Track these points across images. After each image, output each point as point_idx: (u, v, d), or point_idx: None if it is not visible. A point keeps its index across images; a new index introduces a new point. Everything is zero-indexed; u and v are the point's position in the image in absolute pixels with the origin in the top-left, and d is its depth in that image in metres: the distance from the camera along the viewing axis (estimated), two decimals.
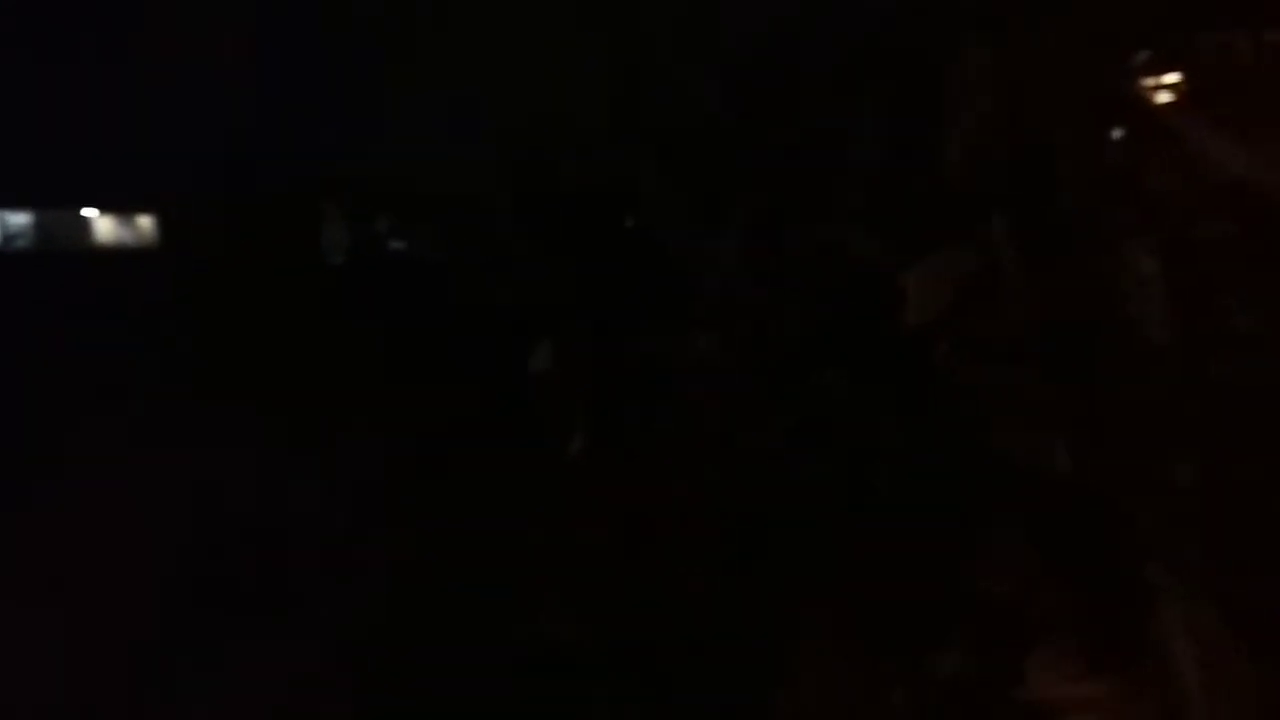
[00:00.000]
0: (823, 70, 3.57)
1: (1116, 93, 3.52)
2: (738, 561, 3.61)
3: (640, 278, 3.94)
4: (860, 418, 3.53)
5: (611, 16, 3.98)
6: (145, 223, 4.74)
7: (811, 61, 3.64)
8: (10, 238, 4.57)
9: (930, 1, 3.49)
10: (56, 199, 4.59)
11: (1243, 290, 2.97)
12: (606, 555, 3.90)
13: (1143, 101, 3.58)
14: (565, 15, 4.03)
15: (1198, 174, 3.19)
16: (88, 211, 4.66)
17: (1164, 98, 3.80)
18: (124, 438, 3.94)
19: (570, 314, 4.17)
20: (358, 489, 4.09)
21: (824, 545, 3.46)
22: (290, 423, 4.13)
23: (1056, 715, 2.18)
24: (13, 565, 3.57)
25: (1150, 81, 3.79)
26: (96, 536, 3.75)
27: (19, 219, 4.57)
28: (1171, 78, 3.83)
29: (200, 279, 4.47)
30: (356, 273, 4.77)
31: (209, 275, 4.46)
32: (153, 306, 4.37)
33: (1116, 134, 3.48)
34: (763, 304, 3.66)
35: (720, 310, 3.75)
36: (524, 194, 4.01)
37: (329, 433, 4.17)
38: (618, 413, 4.19)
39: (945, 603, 3.06)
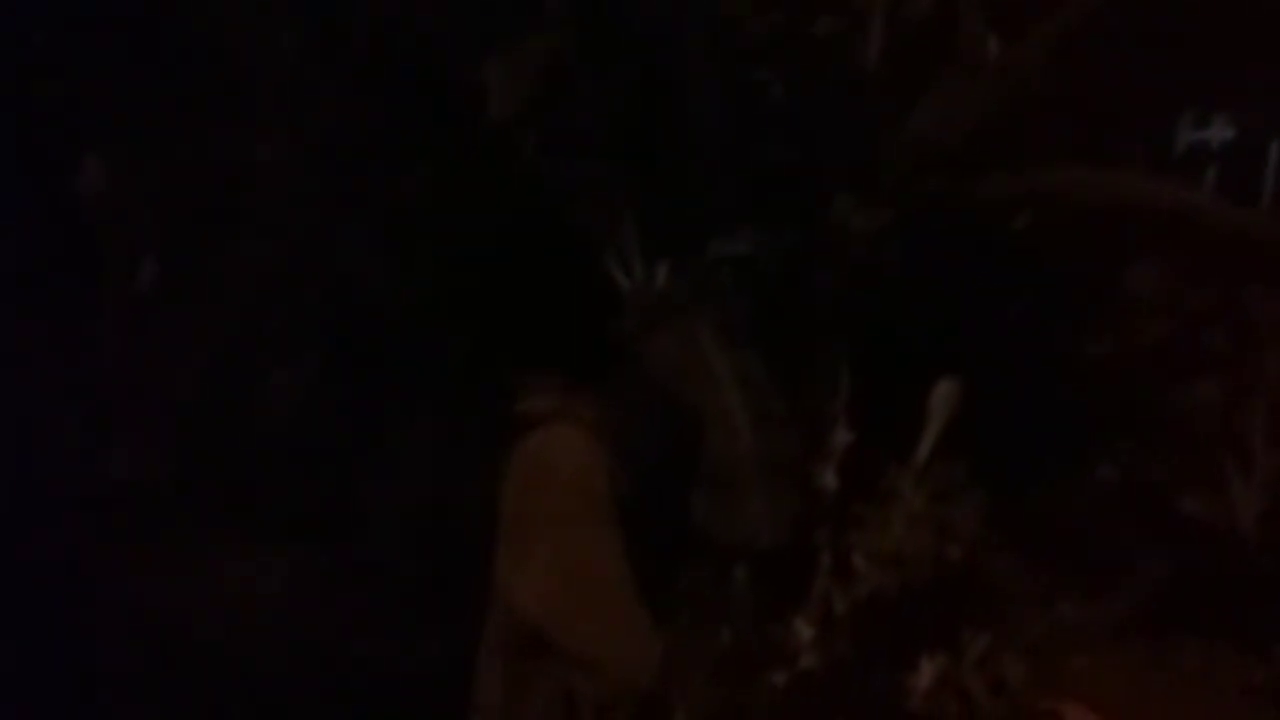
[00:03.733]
0: None
1: None
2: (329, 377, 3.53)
3: (195, 74, 3.61)
4: (445, 218, 3.49)
5: None
6: None
7: None
8: None
9: None
10: None
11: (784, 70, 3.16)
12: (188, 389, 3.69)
13: None
14: None
15: None
16: None
17: None
18: None
19: (121, 119, 3.77)
20: None
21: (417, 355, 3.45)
22: None
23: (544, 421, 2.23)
24: None
25: None
26: None
27: None
28: None
29: None
30: None
31: None
32: None
33: None
34: (331, 101, 3.48)
35: (285, 110, 3.53)
36: None
37: None
38: (190, 233, 3.90)
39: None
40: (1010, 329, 3.21)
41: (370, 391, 3.38)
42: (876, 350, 3.11)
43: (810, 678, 2.71)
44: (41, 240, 3.79)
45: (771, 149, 3.18)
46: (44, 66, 3.74)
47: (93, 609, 3.25)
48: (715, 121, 3.17)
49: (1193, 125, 3.96)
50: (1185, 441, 3.22)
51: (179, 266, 3.88)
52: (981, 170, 3.08)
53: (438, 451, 3.17)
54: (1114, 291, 3.36)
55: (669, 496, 1.98)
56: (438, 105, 3.45)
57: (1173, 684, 2.94)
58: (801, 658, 2.73)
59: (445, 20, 3.36)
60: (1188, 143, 3.97)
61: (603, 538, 1.72)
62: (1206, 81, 3.64)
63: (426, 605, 3.03)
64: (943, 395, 3.04)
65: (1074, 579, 3.01)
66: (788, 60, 3.17)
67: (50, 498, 3.41)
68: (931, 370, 3.06)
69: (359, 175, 3.57)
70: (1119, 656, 2.97)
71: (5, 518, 3.28)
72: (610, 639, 1.69)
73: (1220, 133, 3.98)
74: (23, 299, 3.70)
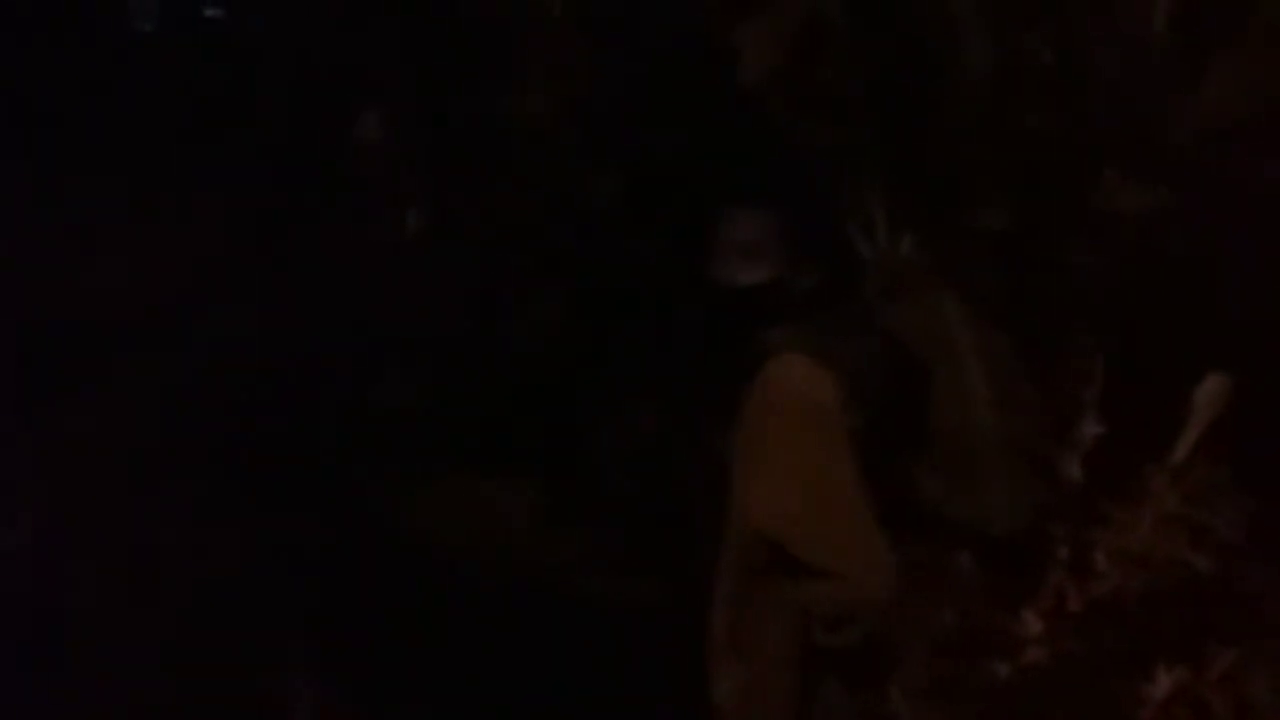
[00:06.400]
0: None
1: None
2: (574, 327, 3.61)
3: (464, 35, 3.75)
4: (693, 178, 3.49)
5: None
6: None
7: None
8: None
9: None
10: None
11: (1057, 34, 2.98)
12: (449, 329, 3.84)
13: None
14: None
15: None
16: None
17: None
18: None
19: (396, 78, 3.96)
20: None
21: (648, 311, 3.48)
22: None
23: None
24: None
25: None
26: None
27: None
28: None
29: None
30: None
31: None
32: None
33: None
34: (591, 61, 3.54)
35: (548, 69, 3.62)
36: None
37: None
38: (454, 182, 4.05)
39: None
40: None
41: (610, 336, 3.44)
42: (1137, 338, 2.91)
43: (1035, 671, 2.57)
44: (324, 186, 4.03)
45: (1037, 118, 3.02)
46: (330, 29, 3.98)
47: (358, 525, 3.43)
48: (978, 87, 3.03)
49: None
50: None
51: (443, 212, 4.05)
52: (1274, 149, 2.83)
53: (670, 395, 3.19)
54: None
55: (886, 458, 1.93)
56: (692, 66, 3.45)
57: None
58: (1028, 650, 2.60)
59: None
60: None
61: (837, 453, 1.71)
62: None
63: (658, 542, 3.05)
64: (1209, 392, 2.82)
65: None
66: (1062, 23, 2.99)
67: (325, 421, 3.63)
68: (1198, 365, 2.84)
69: (612, 131, 3.62)
70: None
71: (285, 439, 3.51)
72: (850, 549, 1.67)
73: None
74: (306, 242, 3.94)
